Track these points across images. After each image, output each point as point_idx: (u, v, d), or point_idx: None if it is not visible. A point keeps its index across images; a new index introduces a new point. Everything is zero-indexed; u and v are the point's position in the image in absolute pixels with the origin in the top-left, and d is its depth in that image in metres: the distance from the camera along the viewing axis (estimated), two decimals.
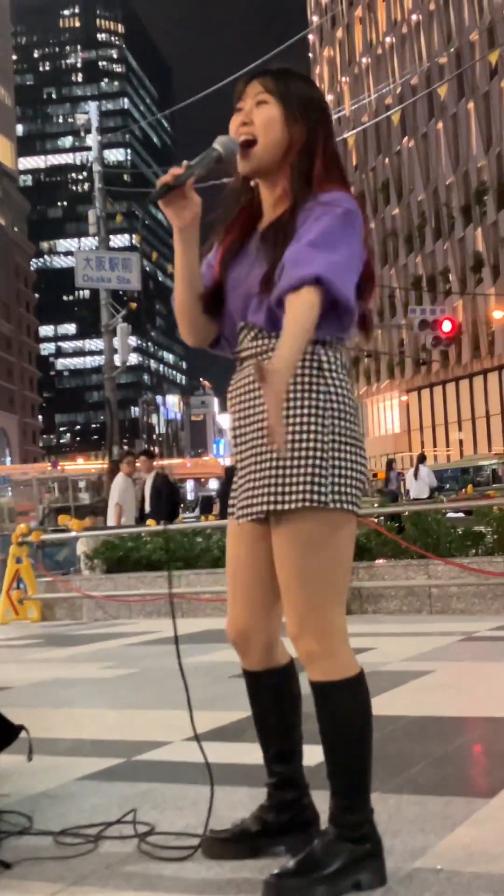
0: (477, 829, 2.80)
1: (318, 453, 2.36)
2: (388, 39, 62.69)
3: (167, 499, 14.01)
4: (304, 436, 2.36)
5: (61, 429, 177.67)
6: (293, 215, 2.40)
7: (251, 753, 2.83)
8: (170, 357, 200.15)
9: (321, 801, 2.58)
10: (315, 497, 2.34)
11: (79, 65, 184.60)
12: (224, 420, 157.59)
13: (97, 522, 17.62)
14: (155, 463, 14.89)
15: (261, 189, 2.54)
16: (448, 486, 33.64)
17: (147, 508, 13.83)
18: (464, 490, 30.19)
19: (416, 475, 24.37)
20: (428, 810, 2.99)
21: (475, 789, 3.23)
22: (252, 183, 2.55)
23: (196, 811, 3.14)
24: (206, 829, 2.79)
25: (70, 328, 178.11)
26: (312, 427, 2.37)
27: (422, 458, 27.45)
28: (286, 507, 2.36)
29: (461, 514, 14.70)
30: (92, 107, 28.37)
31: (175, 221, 2.48)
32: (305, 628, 2.39)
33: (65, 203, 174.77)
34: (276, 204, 2.50)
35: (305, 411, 2.37)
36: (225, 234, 2.56)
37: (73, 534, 11.87)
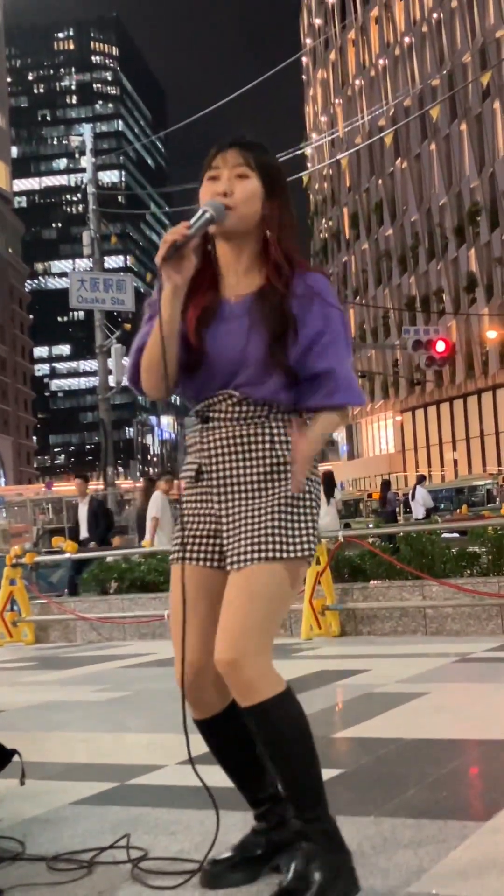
0: (472, 852, 2.79)
1: (313, 510, 2.62)
2: (380, 62, 63.10)
3: (103, 523, 14.49)
4: (305, 494, 2.60)
5: (56, 449, 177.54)
6: (280, 290, 2.55)
7: None
8: None
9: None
10: (308, 547, 2.58)
11: (73, 87, 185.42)
12: None
13: (126, 542, 17.88)
14: (89, 487, 15.42)
15: (221, 251, 2.64)
16: (443, 506, 33.66)
17: (84, 533, 14.18)
18: (458, 510, 30.20)
19: (412, 495, 24.38)
20: (423, 833, 2.97)
21: (470, 812, 3.22)
22: (209, 246, 2.65)
23: (190, 836, 3.12)
24: (207, 855, 2.76)
25: (64, 349, 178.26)
26: (309, 487, 2.61)
27: (420, 479, 27.48)
28: (292, 555, 2.54)
29: (455, 535, 14.71)
30: (86, 129, 28.53)
31: (173, 279, 2.52)
32: (244, 653, 2.45)
33: (59, 224, 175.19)
34: (246, 271, 2.61)
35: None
36: (193, 296, 2.61)
37: (67, 555, 11.85)
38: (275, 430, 2.58)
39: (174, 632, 2.65)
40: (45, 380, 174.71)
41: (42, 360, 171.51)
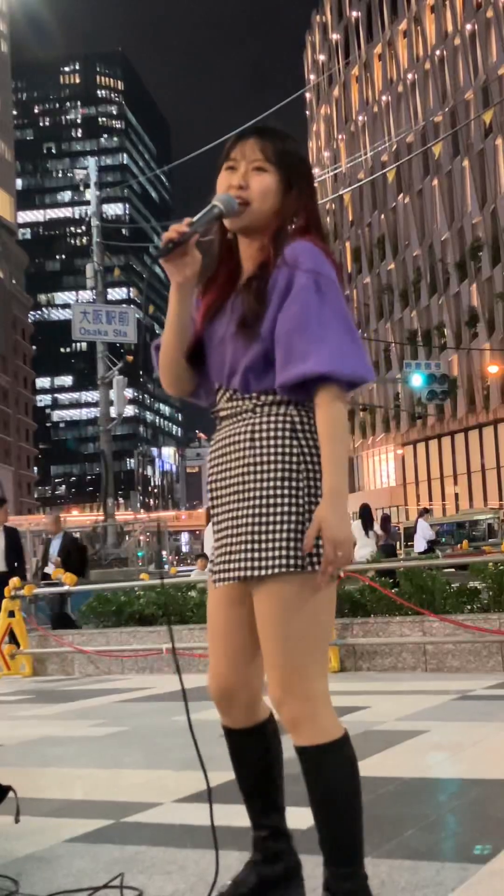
0: (470, 895, 2.75)
1: (294, 517, 2.33)
2: (384, 98, 63.59)
3: (77, 557, 14.52)
4: (279, 500, 2.35)
5: (56, 480, 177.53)
6: (264, 271, 2.42)
7: (240, 816, 2.79)
8: (166, 409, 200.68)
9: (315, 865, 2.54)
10: (291, 561, 2.32)
11: (78, 120, 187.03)
12: None
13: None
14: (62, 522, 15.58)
15: (241, 244, 2.54)
16: (444, 540, 33.59)
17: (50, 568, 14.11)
18: (459, 545, 30.13)
19: (415, 528, 24.32)
20: (420, 876, 2.93)
21: (468, 855, 3.17)
22: (229, 236, 2.55)
23: (184, 875, 3.08)
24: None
25: (67, 380, 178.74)
26: (286, 491, 2.35)
27: (422, 512, 27.41)
28: (263, 572, 2.34)
29: (453, 570, 14.64)
30: (91, 162, 28.70)
31: (175, 277, 2.47)
32: (288, 692, 2.36)
33: (63, 256, 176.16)
34: (252, 258, 2.50)
35: (278, 474, 2.36)
36: (206, 289, 2.56)
37: (66, 588, 11.80)
38: (257, 426, 2.40)
39: (209, 645, 2.61)
40: (47, 410, 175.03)
41: (44, 391, 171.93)
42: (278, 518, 2.34)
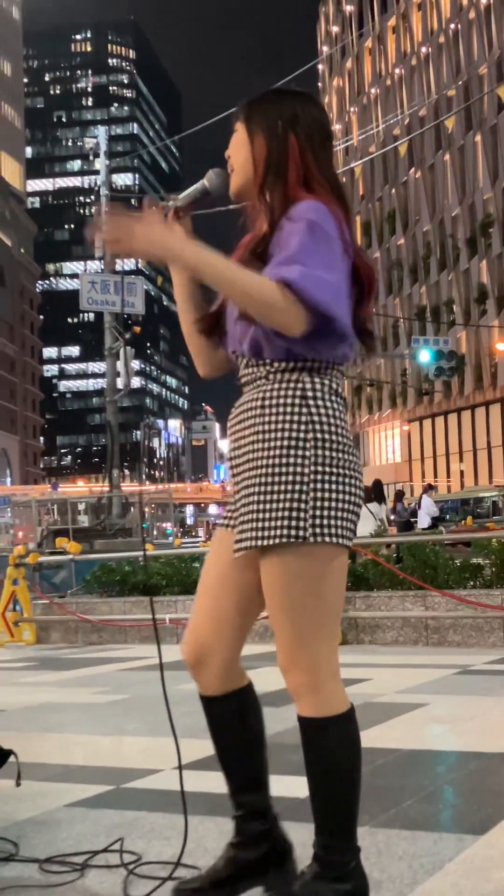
0: (467, 866, 2.77)
1: (298, 486, 2.29)
2: (397, 71, 63.13)
3: None
4: (283, 468, 2.30)
5: (62, 451, 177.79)
6: (267, 236, 2.36)
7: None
8: (172, 381, 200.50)
9: (309, 834, 2.55)
10: (293, 532, 2.28)
11: (89, 89, 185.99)
12: (225, 445, 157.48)
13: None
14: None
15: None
16: (448, 516, 33.60)
17: None
18: (463, 522, 30.15)
19: (418, 504, 24.35)
20: (418, 846, 2.95)
21: (466, 826, 3.20)
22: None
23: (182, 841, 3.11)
24: (178, 861, 2.75)
25: (74, 350, 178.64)
26: (292, 459, 2.30)
27: (427, 489, 27.43)
28: (266, 542, 2.30)
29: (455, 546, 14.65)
30: (101, 131, 28.50)
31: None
32: (293, 662, 2.35)
33: (72, 226, 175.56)
34: (257, 224, 2.44)
35: (285, 442, 2.31)
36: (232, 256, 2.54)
37: (70, 556, 11.85)
38: (268, 393, 2.36)
39: (196, 598, 2.58)
40: (54, 380, 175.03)
41: (51, 361, 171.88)
42: (282, 487, 2.29)
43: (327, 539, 2.31)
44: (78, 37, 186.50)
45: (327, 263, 2.25)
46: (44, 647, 10.50)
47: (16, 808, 3.58)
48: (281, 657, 2.38)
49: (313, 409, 2.33)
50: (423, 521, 24.61)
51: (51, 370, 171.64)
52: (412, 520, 25.68)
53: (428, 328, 55.95)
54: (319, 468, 2.31)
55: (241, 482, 2.41)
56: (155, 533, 29.35)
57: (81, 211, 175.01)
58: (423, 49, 59.91)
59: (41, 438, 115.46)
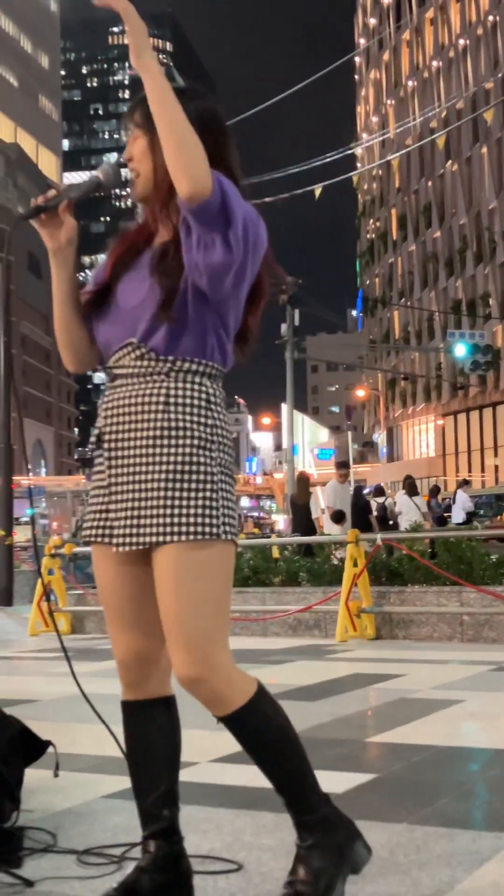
0: None
1: (210, 485, 2.35)
2: (434, 63, 62.76)
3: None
4: (195, 467, 2.35)
5: None
6: (172, 242, 2.38)
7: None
8: None
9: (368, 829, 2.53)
10: (208, 529, 2.33)
11: (126, 82, 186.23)
12: (258, 438, 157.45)
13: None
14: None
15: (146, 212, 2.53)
16: (482, 512, 33.42)
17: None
18: (498, 517, 29.96)
19: (453, 499, 24.23)
20: (456, 844, 2.94)
21: None
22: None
23: (220, 835, 3.11)
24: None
25: None
26: (202, 458, 2.36)
27: (462, 483, 27.29)
28: (180, 538, 2.32)
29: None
30: None
31: (49, 243, 2.49)
32: (197, 664, 2.35)
33: (108, 218, 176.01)
34: (160, 227, 2.47)
35: (195, 442, 2.36)
36: (116, 244, 2.55)
37: None
38: (171, 391, 2.37)
39: (109, 617, 2.59)
40: (88, 372, 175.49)
41: None
42: (194, 486, 2.34)
43: (230, 536, 2.39)
44: (115, 29, 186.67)
45: (245, 208, 2.32)
46: (78, 637, 10.54)
47: (53, 799, 3.59)
48: (183, 664, 2.36)
49: (215, 414, 2.42)
50: (458, 515, 24.49)
51: None
52: (445, 514, 25.56)
53: (463, 322, 55.60)
54: (224, 469, 2.42)
55: (133, 475, 2.39)
56: None
57: (117, 204, 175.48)
58: (461, 41, 59.48)
59: (76, 429, 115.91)
